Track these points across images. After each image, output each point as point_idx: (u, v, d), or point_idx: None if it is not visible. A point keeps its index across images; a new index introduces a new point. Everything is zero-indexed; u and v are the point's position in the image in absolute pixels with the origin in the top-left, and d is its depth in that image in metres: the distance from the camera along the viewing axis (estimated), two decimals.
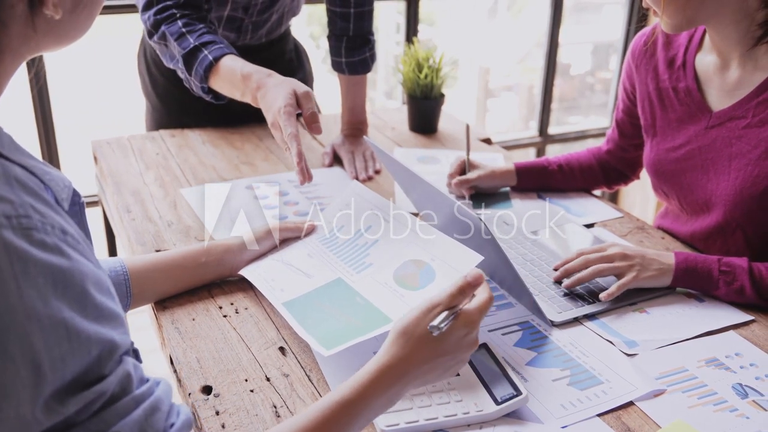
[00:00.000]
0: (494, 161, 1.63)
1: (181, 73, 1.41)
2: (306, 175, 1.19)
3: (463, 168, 1.45)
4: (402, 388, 0.77)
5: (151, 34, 1.42)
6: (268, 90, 1.22)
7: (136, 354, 0.67)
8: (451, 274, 0.98)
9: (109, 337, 0.58)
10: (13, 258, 0.52)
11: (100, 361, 0.57)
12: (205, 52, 1.34)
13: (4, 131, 0.60)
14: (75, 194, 0.67)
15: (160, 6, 1.40)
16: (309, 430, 0.71)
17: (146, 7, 1.42)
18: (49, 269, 0.54)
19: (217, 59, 1.32)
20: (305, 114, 1.19)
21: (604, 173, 1.50)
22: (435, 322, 0.78)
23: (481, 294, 0.83)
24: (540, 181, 1.47)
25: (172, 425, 0.63)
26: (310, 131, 1.19)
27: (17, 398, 0.52)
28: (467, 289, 0.81)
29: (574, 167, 1.48)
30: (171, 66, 1.44)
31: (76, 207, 0.67)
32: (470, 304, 0.82)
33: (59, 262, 0.55)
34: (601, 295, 1.08)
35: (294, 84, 1.22)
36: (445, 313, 0.79)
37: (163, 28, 1.39)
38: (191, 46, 1.35)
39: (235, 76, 1.28)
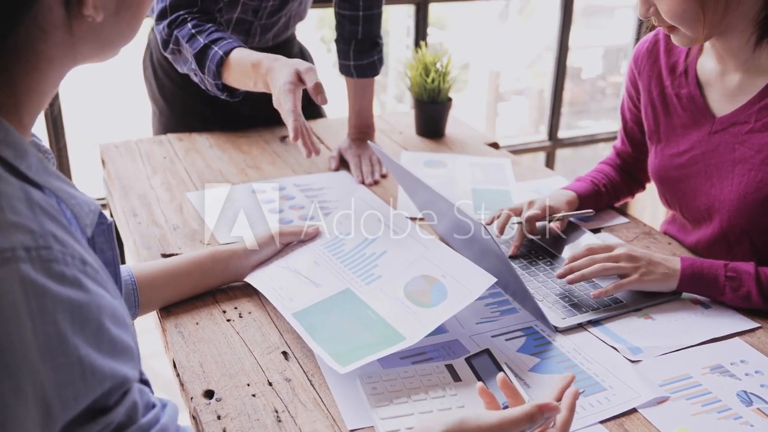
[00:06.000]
0: (500, 166, 1.63)
1: (195, 75, 1.42)
2: (310, 148, 1.21)
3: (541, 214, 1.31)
4: None
5: (166, 44, 1.43)
6: (274, 72, 1.24)
7: (146, 384, 0.66)
8: (463, 294, 0.97)
9: (122, 372, 0.57)
10: (30, 294, 0.50)
11: (110, 395, 0.56)
12: (215, 48, 1.35)
13: (34, 152, 0.58)
14: (101, 217, 0.65)
15: (173, 16, 1.41)
16: None
17: (160, 18, 1.43)
18: (67, 304, 0.52)
19: (227, 53, 1.34)
20: (309, 86, 1.20)
21: (626, 186, 1.45)
22: None
23: (561, 415, 0.77)
24: (595, 205, 1.39)
25: None
26: (317, 102, 1.21)
27: None
28: (546, 413, 0.76)
29: (615, 184, 1.43)
30: (185, 70, 1.45)
31: (103, 227, 0.66)
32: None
33: (77, 297, 0.53)
34: (593, 293, 1.08)
35: (297, 63, 1.23)
36: None
37: (175, 32, 1.40)
38: (201, 45, 1.36)
39: (246, 66, 1.30)
